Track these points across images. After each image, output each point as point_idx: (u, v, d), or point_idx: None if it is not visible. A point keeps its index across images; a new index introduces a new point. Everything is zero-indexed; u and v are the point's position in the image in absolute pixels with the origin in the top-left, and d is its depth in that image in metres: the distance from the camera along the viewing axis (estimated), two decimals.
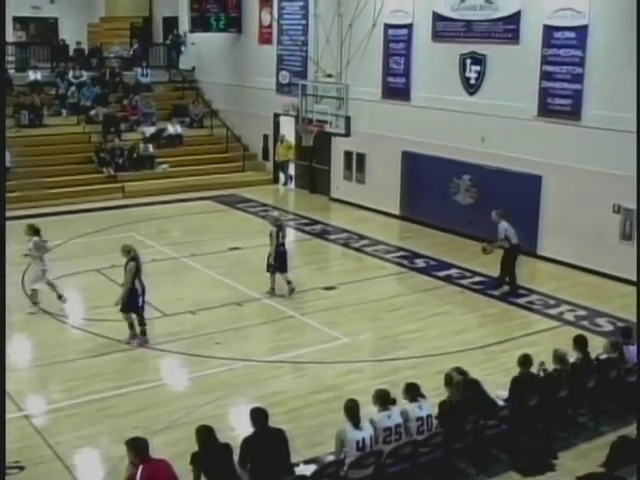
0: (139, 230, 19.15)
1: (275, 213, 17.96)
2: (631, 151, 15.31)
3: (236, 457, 7.83)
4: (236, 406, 10.56)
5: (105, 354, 12.16)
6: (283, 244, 14.93)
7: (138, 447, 7.49)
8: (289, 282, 14.91)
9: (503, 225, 15.08)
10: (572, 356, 10.32)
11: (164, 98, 27.46)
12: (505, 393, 9.67)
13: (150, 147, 24.38)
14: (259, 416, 8.06)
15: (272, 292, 14.90)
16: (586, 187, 16.32)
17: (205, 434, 7.77)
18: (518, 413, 9.34)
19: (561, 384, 9.79)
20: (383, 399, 8.58)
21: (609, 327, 13.47)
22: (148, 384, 11.22)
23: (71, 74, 26.04)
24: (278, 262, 14.80)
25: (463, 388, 9.17)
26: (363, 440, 8.13)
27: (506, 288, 15.34)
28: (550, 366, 10.00)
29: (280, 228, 14.93)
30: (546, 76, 16.92)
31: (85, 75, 26.21)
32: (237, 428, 9.37)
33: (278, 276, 14.91)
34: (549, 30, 16.74)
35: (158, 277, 15.98)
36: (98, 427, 9.98)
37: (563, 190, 16.86)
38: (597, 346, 10.85)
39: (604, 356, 10.57)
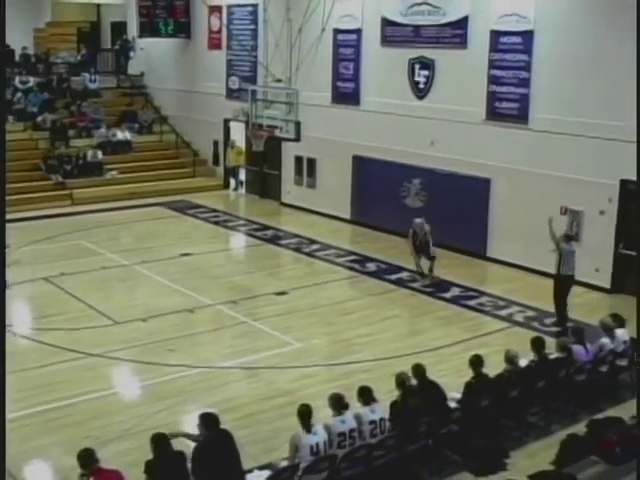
0: (89, 237, 18.95)
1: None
2: (577, 154, 15.66)
3: (190, 464, 7.79)
4: (190, 413, 10.43)
5: (55, 363, 11.99)
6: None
7: (84, 458, 7.40)
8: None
9: (564, 248, 13.64)
10: (528, 357, 10.46)
11: (113, 104, 27.20)
12: (458, 395, 9.76)
13: (99, 153, 24.13)
14: (211, 421, 8.03)
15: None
16: (534, 189, 16.55)
17: (160, 442, 7.71)
18: (470, 414, 9.44)
19: (512, 385, 9.91)
20: (337, 403, 8.60)
21: (558, 327, 13.63)
22: (99, 393, 11.08)
23: (17, 80, 25.65)
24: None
25: (420, 390, 9.26)
26: (317, 445, 8.14)
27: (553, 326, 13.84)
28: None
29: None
30: (493, 80, 17.13)
31: (32, 81, 25.84)
32: None
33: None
34: (496, 35, 16.96)
35: (108, 285, 15.90)
36: (48, 438, 9.83)
37: (511, 193, 17.08)
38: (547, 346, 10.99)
39: (553, 356, 10.73)
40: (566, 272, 13.65)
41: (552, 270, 14.47)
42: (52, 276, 15.80)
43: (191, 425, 8.56)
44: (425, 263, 16.09)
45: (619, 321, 11.61)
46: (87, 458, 7.40)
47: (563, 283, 13.74)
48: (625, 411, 10.05)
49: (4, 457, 6.83)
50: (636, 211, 13.83)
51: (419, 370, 9.53)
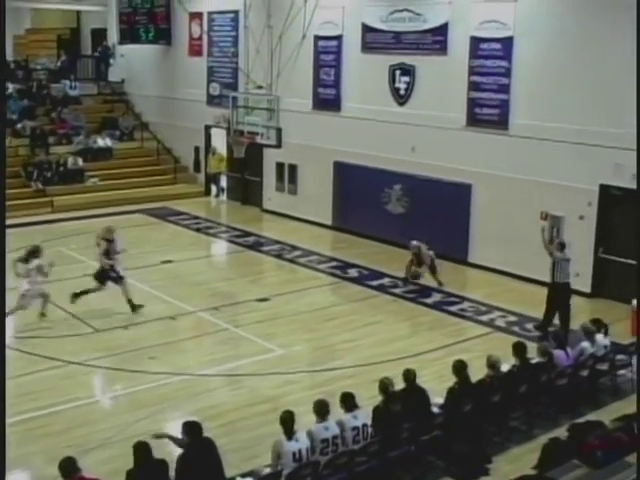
0: (69, 245, 18.85)
1: None
2: (556, 159, 15.75)
3: (172, 473, 7.76)
4: (172, 421, 10.42)
5: (36, 372, 11.91)
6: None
7: (65, 467, 7.36)
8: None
9: (557, 256, 13.43)
10: (510, 362, 10.50)
11: (93, 111, 27.10)
12: (440, 400, 9.78)
13: (79, 160, 24.05)
14: (193, 429, 8.02)
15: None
16: (514, 195, 16.63)
17: (141, 450, 7.68)
18: (453, 419, 9.46)
19: (494, 390, 9.95)
20: (321, 410, 8.59)
21: (538, 332, 13.68)
22: (81, 401, 11.03)
23: None
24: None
25: (403, 395, 9.27)
26: (299, 452, 8.13)
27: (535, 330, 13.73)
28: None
29: None
30: (474, 86, 17.22)
31: (11, 88, 25.66)
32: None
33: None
34: (476, 41, 17.05)
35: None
36: (30, 447, 9.76)
37: (492, 198, 17.16)
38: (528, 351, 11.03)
39: (535, 361, 10.79)
40: (561, 279, 13.41)
41: (535, 275, 14.64)
42: None
43: (174, 433, 8.52)
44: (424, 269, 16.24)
45: (600, 326, 11.69)
46: (69, 467, 7.36)
47: (558, 291, 13.48)
48: (606, 415, 10.12)
49: (4, 458, 6.78)
50: (637, 218, 13.64)
51: (409, 375, 9.52)
